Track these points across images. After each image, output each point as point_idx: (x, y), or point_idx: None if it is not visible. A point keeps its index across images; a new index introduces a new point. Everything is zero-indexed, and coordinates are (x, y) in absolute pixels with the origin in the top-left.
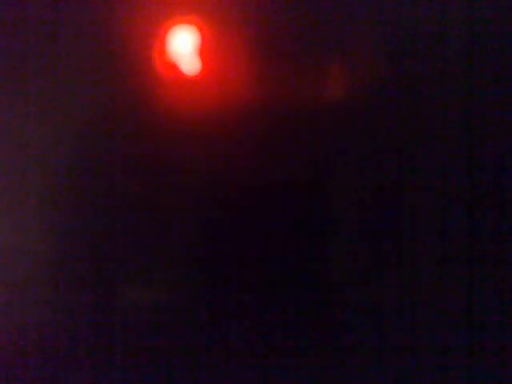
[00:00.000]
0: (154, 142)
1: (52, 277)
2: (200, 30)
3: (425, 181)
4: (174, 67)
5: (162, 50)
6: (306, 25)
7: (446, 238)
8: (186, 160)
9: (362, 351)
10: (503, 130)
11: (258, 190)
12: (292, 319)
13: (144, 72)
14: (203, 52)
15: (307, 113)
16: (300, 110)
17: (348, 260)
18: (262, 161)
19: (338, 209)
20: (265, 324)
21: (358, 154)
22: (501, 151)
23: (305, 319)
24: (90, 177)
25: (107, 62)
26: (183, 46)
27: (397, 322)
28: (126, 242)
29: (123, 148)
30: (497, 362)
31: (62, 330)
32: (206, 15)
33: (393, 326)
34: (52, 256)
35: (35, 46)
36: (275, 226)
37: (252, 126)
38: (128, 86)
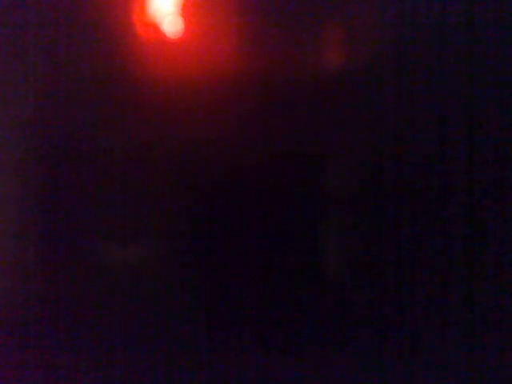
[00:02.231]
0: (136, 106)
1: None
2: None
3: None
4: (155, 28)
5: (143, 10)
6: None
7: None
8: (170, 124)
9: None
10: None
11: (243, 155)
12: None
13: (124, 33)
14: (186, 12)
15: (298, 77)
16: (290, 75)
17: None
18: (247, 123)
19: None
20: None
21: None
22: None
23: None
24: (75, 139)
25: (87, 25)
26: (165, 5)
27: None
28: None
29: (106, 111)
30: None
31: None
32: None
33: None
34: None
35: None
36: (266, 191)
37: (239, 91)
38: (109, 48)
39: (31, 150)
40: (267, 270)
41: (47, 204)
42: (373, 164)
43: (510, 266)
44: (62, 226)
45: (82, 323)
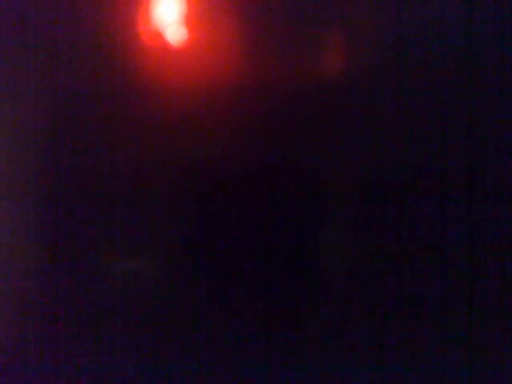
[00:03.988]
0: (138, 113)
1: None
2: None
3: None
4: (159, 36)
5: (147, 19)
6: None
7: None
8: (172, 132)
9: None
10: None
11: (244, 162)
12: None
13: (128, 41)
14: (189, 21)
15: (300, 85)
16: (292, 83)
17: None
18: (250, 131)
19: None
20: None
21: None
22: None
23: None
24: (75, 146)
25: (90, 32)
26: (169, 14)
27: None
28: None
29: (108, 118)
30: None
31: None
32: None
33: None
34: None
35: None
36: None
37: (241, 99)
38: (112, 55)
39: (33, 158)
40: (270, 278)
41: (51, 215)
42: (374, 168)
43: (510, 266)
44: (64, 230)
45: (84, 322)
